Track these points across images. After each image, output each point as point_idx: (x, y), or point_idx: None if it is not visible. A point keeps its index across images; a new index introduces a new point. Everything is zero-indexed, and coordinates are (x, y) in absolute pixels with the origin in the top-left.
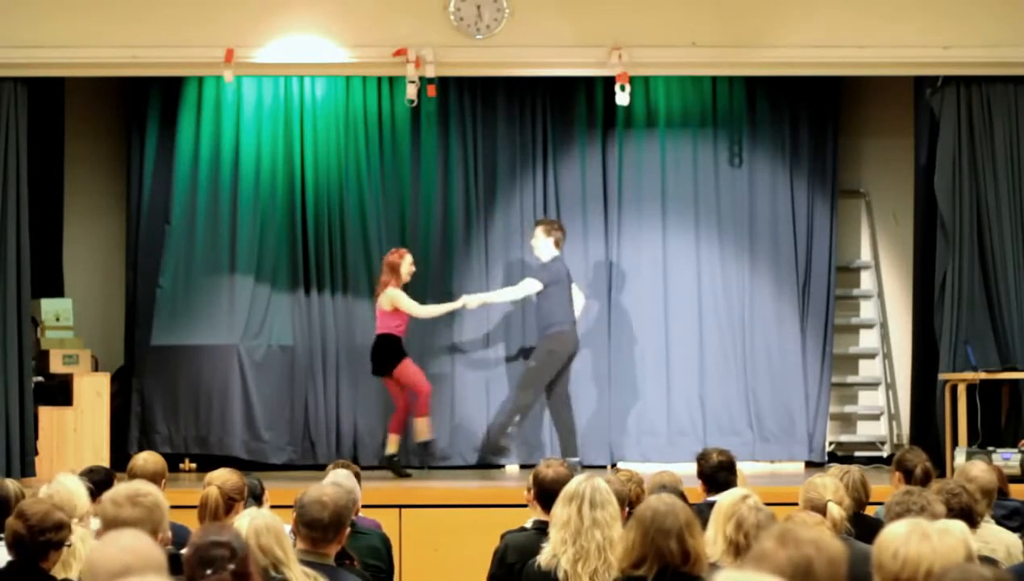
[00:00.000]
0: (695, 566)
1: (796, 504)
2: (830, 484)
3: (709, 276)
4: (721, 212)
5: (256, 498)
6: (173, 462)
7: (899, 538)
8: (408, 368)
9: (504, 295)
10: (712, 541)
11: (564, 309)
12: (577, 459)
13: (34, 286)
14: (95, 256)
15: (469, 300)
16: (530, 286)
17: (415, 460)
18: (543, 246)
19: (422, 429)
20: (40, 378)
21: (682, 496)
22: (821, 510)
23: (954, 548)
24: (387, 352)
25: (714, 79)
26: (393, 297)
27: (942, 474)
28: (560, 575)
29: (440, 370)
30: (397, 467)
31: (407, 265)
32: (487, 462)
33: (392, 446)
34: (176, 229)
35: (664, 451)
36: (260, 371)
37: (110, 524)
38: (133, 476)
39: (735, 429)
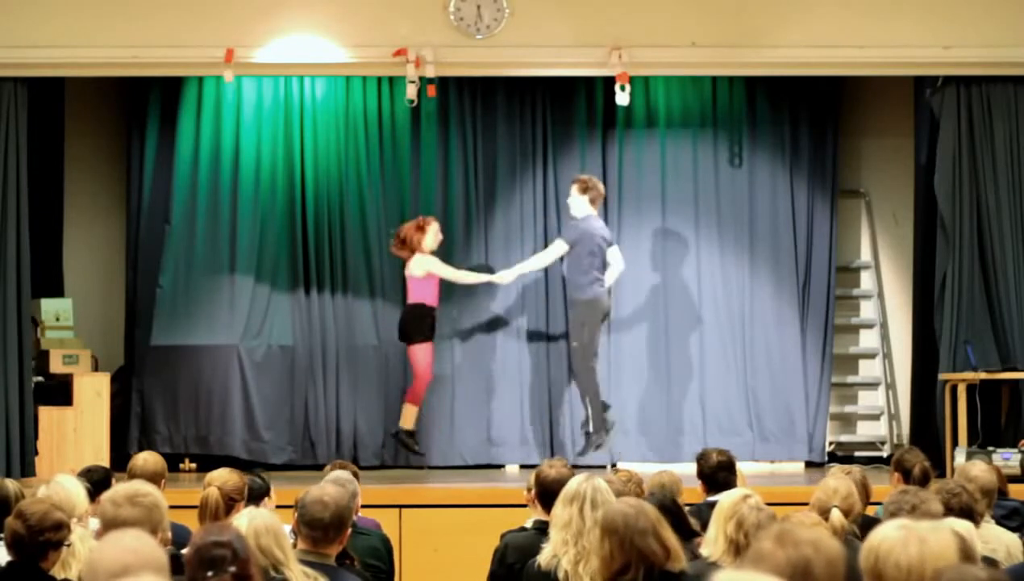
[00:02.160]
0: (676, 561)
1: (796, 504)
2: (842, 489)
3: (709, 276)
4: (721, 212)
5: (257, 498)
6: (173, 462)
7: (898, 546)
8: (423, 350)
9: (536, 262)
10: (713, 541)
11: (588, 270)
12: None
13: (34, 286)
14: (95, 256)
15: (505, 275)
16: (558, 248)
17: (401, 458)
18: (577, 203)
19: (408, 417)
20: (40, 378)
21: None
22: (827, 514)
23: (948, 544)
24: (419, 322)
25: (714, 79)
26: (425, 262)
27: (942, 474)
28: (560, 575)
29: (440, 371)
30: (412, 442)
31: (434, 233)
32: (490, 460)
33: (408, 420)
34: (176, 229)
35: (664, 451)
36: (260, 371)
37: (109, 524)
38: (133, 476)
39: (735, 429)
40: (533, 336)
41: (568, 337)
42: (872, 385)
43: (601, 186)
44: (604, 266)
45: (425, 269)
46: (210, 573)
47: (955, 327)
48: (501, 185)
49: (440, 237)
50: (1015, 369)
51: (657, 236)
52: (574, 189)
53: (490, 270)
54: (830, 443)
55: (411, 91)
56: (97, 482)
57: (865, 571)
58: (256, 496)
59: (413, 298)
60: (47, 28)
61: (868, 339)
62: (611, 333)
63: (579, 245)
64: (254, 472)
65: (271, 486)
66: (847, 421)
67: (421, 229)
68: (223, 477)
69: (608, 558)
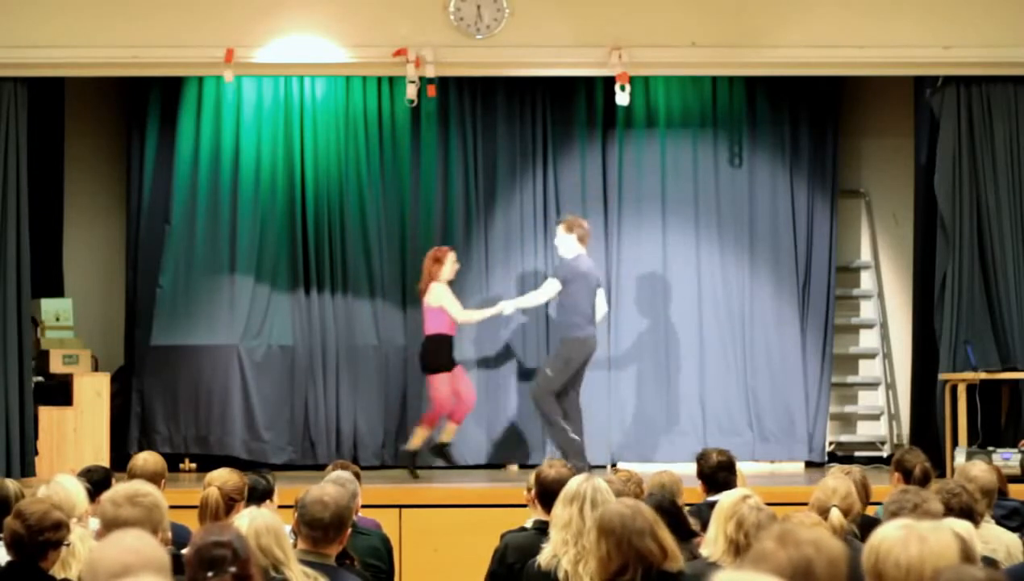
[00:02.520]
0: (674, 561)
1: (796, 504)
2: (841, 489)
3: (709, 276)
4: (721, 212)
5: (260, 498)
6: (173, 462)
7: (898, 545)
8: (442, 379)
9: (532, 300)
10: (713, 541)
11: (582, 310)
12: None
13: (34, 286)
14: (95, 256)
15: (506, 306)
16: (551, 287)
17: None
18: (565, 243)
19: (416, 439)
20: (40, 378)
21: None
22: (826, 514)
23: (948, 544)
24: (438, 353)
25: (714, 79)
26: (439, 294)
27: (942, 474)
28: (560, 575)
29: None
30: (446, 454)
31: (451, 262)
32: (496, 463)
33: (447, 434)
34: (176, 229)
35: (664, 451)
36: (260, 371)
37: (109, 524)
38: (133, 476)
39: (735, 429)
40: (532, 338)
41: (544, 364)
42: (872, 385)
43: (586, 223)
44: (594, 306)
45: (439, 301)
46: (210, 573)
47: (955, 327)
48: (501, 185)
49: (457, 266)
50: (1015, 369)
51: (657, 236)
52: (560, 230)
53: (492, 282)
54: (830, 443)
55: (411, 91)
56: (97, 482)
57: (866, 570)
58: (259, 496)
59: (431, 329)
60: (47, 28)
61: (868, 339)
62: (611, 333)
63: (573, 283)
64: (260, 472)
65: (275, 487)
66: (847, 421)
67: (439, 261)
68: (223, 477)
69: (605, 559)
